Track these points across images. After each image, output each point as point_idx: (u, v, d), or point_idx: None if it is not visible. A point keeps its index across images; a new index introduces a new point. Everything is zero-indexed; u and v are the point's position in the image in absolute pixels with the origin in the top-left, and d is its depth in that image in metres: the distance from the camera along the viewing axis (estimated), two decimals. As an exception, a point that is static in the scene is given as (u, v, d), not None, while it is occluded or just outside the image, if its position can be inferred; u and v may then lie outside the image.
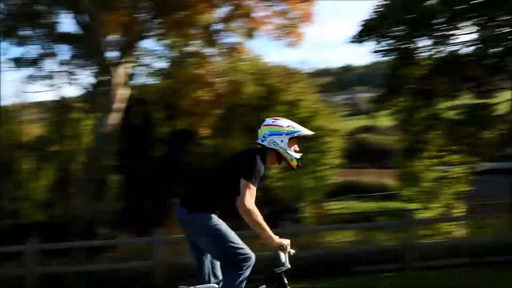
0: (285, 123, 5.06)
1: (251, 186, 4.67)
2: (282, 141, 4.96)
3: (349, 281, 10.79)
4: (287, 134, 4.98)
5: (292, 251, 4.87)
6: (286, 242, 4.80)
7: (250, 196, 4.65)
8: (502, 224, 14.02)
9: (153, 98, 23.63)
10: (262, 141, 5.06)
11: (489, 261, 11.32)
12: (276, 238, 4.76)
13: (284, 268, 4.82)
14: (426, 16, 16.45)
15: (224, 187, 4.82)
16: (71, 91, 73.21)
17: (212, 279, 5.01)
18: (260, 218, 4.65)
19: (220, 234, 4.74)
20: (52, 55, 21.21)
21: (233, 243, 4.74)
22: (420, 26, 16.76)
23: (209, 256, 4.99)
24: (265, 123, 5.19)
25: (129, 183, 22.21)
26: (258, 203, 4.68)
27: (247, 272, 4.75)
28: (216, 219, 4.79)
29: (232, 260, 4.71)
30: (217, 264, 5.01)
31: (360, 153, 44.13)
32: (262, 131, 5.13)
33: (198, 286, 4.93)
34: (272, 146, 4.97)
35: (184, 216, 4.85)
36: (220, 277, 4.98)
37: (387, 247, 12.77)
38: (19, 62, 20.96)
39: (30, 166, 23.39)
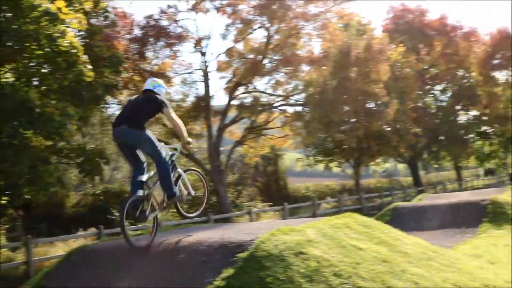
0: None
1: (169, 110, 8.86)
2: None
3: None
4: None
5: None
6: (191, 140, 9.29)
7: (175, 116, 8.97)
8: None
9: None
10: (155, 88, 9.09)
11: None
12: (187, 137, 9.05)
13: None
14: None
15: (144, 115, 8.81)
16: None
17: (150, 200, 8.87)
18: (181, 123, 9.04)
19: (152, 142, 8.74)
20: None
21: (161, 152, 8.76)
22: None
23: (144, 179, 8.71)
24: (153, 79, 9.49)
25: None
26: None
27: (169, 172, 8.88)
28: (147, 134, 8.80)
29: (162, 162, 8.77)
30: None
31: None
32: (153, 84, 9.16)
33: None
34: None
35: (125, 132, 8.63)
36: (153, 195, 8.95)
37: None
38: None
39: None
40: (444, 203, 20.50)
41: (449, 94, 53.10)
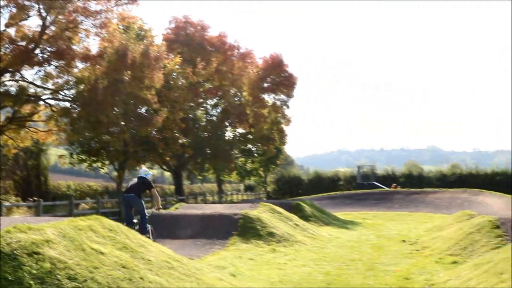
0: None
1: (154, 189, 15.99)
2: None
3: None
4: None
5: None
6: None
7: (156, 191, 16.10)
8: None
9: None
10: (146, 175, 15.92)
11: None
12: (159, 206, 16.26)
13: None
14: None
15: (141, 190, 15.66)
16: None
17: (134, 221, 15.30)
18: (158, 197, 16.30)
19: (143, 205, 15.46)
20: None
21: (145, 209, 15.52)
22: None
23: (133, 211, 15.50)
24: (145, 168, 16.53)
25: None
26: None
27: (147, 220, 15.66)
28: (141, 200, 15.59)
29: (144, 215, 15.41)
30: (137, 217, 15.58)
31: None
32: (145, 172, 15.99)
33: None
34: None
35: (132, 197, 15.24)
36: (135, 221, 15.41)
37: None
38: None
39: None
40: (199, 214, 20.80)
41: (219, 109, 54.45)
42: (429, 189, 48.64)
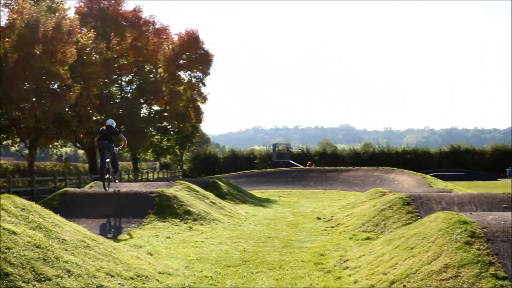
0: None
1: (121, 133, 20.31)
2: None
3: None
4: None
5: None
6: None
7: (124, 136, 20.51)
8: None
9: None
10: (112, 124, 19.64)
11: None
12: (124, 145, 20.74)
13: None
14: None
15: (112, 136, 19.40)
16: None
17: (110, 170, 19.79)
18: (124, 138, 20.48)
19: (114, 148, 19.49)
20: None
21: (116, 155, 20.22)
22: None
23: (108, 161, 19.40)
24: (110, 120, 20.25)
25: None
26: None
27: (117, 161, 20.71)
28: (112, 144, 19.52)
29: (116, 156, 20.09)
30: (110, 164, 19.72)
31: None
32: (111, 121, 19.83)
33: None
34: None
35: (107, 143, 19.04)
36: (111, 169, 19.84)
37: None
38: None
39: None
40: (114, 192, 20.54)
41: (134, 86, 53.69)
42: (342, 167, 49.73)
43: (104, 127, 19.57)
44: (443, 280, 8.76)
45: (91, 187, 24.31)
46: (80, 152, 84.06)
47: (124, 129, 48.78)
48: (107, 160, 19.38)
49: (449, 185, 31.50)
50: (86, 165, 56.10)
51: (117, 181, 21.14)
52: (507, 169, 65.76)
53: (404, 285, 9.07)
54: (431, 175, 40.55)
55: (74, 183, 38.69)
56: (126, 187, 23.54)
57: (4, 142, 40.68)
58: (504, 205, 17.00)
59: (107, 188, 19.88)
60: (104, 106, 45.44)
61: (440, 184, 31.95)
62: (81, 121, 40.89)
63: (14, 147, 42.90)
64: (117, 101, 51.57)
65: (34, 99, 34.64)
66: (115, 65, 49.71)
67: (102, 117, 44.76)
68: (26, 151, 41.27)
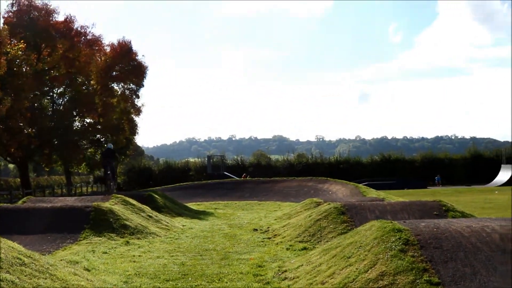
0: None
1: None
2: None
3: None
4: None
5: None
6: None
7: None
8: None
9: None
10: (111, 147, 30.41)
11: None
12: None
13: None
14: None
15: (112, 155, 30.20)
16: None
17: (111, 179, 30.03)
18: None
19: (114, 166, 31.88)
20: None
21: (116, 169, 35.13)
22: None
23: (109, 172, 29.55)
24: (110, 144, 32.31)
25: None
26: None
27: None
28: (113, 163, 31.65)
29: (115, 172, 32.55)
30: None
31: None
32: (110, 145, 30.82)
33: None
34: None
35: (111, 162, 29.51)
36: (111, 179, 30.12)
37: None
38: None
39: None
40: (48, 207, 20.19)
41: (67, 98, 52.85)
42: (277, 178, 49.92)
43: (105, 149, 30.43)
44: (379, 287, 8.97)
45: (24, 202, 23.85)
46: (11, 166, 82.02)
47: (56, 142, 48.09)
48: (109, 172, 28.94)
49: (381, 193, 32.06)
50: (17, 179, 54.84)
51: (115, 188, 30.71)
52: (436, 177, 67.41)
53: (342, 294, 9.23)
54: (364, 184, 41.23)
55: (6, 198, 37.77)
56: (60, 201, 23.21)
57: None
58: (435, 213, 17.47)
59: (113, 190, 29.26)
60: (36, 119, 44.69)
61: (372, 193, 32.49)
62: (12, 135, 40.08)
63: None
64: (49, 113, 50.74)
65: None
66: (47, 77, 48.87)
67: (33, 130, 43.88)
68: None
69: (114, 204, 21.71)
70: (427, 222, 11.33)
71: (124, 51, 54.44)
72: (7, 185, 53.39)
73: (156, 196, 29.41)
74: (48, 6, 48.86)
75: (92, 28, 51.71)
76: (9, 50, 38.09)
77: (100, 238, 17.42)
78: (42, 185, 58.42)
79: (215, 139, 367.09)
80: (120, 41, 55.04)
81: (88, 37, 50.98)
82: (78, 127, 54.38)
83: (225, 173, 64.07)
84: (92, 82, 53.27)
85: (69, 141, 48.70)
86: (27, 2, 48.26)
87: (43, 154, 50.16)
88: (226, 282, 11.29)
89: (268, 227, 21.63)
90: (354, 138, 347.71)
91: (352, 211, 17.91)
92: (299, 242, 16.49)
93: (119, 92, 55.97)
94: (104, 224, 18.68)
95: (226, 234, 20.01)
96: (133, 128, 58.57)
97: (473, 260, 9.39)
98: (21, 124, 41.40)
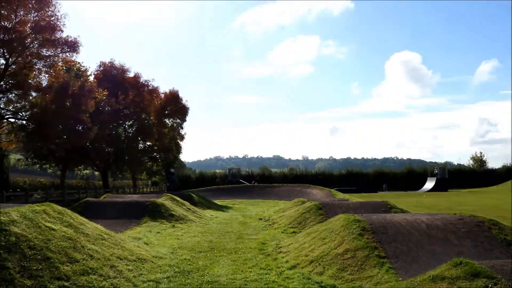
0: None
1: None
2: None
3: None
4: None
5: None
6: None
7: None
8: None
9: None
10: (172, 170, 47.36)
11: None
12: None
13: None
14: None
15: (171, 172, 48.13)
16: None
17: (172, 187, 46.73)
18: None
19: (175, 179, 50.53)
20: None
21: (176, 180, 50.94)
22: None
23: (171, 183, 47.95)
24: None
25: None
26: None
27: None
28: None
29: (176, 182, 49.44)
30: None
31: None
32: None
33: None
34: None
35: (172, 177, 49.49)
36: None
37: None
38: None
39: None
40: (120, 201, 20.21)
41: (134, 128, 52.91)
42: (275, 184, 49.79)
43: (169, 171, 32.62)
44: (344, 259, 8.92)
45: (104, 197, 23.84)
46: (96, 173, 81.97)
47: (126, 158, 48.12)
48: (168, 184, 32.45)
49: (346, 196, 31.94)
50: (100, 182, 54.82)
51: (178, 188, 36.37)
52: (383, 185, 67.15)
53: (319, 264, 9.19)
54: (334, 189, 41.03)
55: (92, 195, 37.72)
56: (128, 197, 23.17)
57: (44, 166, 39.59)
58: (383, 209, 17.36)
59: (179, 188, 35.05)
60: (113, 142, 44.68)
61: (340, 195, 32.37)
62: (97, 152, 40.19)
63: (51, 169, 41.85)
64: (122, 138, 50.78)
65: (65, 137, 33.88)
66: (121, 114, 49.03)
67: (112, 149, 43.92)
68: (59, 172, 40.21)
69: (165, 200, 21.69)
70: (377, 215, 11.29)
71: (173, 97, 54.62)
72: (94, 186, 53.30)
73: (193, 195, 29.37)
74: (123, 66, 49.31)
75: (152, 81, 51.75)
76: (96, 95, 38.27)
77: (155, 223, 17.40)
78: (117, 186, 58.14)
79: (233, 157, 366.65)
80: (171, 90, 55.32)
81: (149, 87, 51.12)
82: (141, 147, 54.34)
83: (241, 180, 63.87)
84: (151, 117, 53.28)
85: (135, 157, 48.66)
86: (109, 64, 48.66)
87: (117, 165, 50.25)
88: (240, 254, 11.23)
89: (269, 217, 21.57)
90: (328, 157, 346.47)
91: (327, 207, 17.85)
92: (290, 228, 16.43)
93: (169, 124, 55.98)
94: (158, 213, 18.68)
95: (240, 222, 19.96)
96: (178, 149, 58.37)
97: (408, 241, 9.34)
98: (104, 145, 41.40)
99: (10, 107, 32.37)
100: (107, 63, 48.98)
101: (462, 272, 6.34)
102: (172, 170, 29.32)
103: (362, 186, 61.63)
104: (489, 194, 44.40)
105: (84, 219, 10.71)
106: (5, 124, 32.82)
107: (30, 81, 31.42)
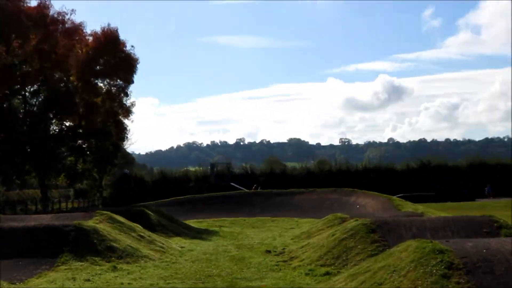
0: None
1: None
2: None
3: None
4: None
5: None
6: None
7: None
8: None
9: None
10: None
11: None
12: None
13: None
14: None
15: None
16: None
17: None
18: None
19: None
20: None
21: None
22: None
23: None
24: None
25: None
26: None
27: None
28: None
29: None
30: None
31: None
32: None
33: None
34: None
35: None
36: None
37: None
38: None
39: None
40: (20, 227, 20.17)
41: (42, 98, 52.52)
42: (294, 190, 49.78)
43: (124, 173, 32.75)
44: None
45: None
46: None
47: (29, 149, 48.11)
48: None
49: (419, 207, 31.92)
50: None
51: None
52: (486, 187, 66.06)
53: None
54: (398, 197, 41.08)
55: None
56: (34, 220, 23.23)
57: None
58: (485, 230, 17.32)
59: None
60: (5, 122, 44.69)
61: (409, 206, 32.36)
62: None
63: None
64: (21, 116, 50.67)
65: None
66: (17, 73, 48.78)
67: (1, 135, 43.98)
68: None
69: (98, 222, 21.70)
70: (475, 242, 11.23)
71: (109, 41, 53.82)
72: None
73: (149, 212, 29.43)
74: (19, -10, 48.84)
75: (71, 15, 51.16)
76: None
77: (82, 263, 17.37)
78: (12, 200, 58.39)
79: (219, 143, 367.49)
80: (105, 29, 54.24)
81: (66, 25, 50.72)
82: (55, 131, 54.18)
83: (232, 184, 64.02)
84: (71, 78, 52.97)
85: (44, 148, 48.68)
86: (-6, -14, 48.35)
87: (14, 164, 50.02)
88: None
89: (284, 248, 21.59)
90: (386, 141, 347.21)
91: (384, 229, 17.82)
92: (321, 266, 16.43)
93: (104, 89, 55.58)
94: (87, 246, 18.64)
95: (233, 257, 19.97)
96: (121, 132, 58.19)
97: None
98: (-12, 129, 41.50)
99: None
100: (-12, -17, 48.73)
101: None
102: (127, 170, 28.31)
103: (447, 190, 61.64)
104: None
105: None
106: None
107: None
